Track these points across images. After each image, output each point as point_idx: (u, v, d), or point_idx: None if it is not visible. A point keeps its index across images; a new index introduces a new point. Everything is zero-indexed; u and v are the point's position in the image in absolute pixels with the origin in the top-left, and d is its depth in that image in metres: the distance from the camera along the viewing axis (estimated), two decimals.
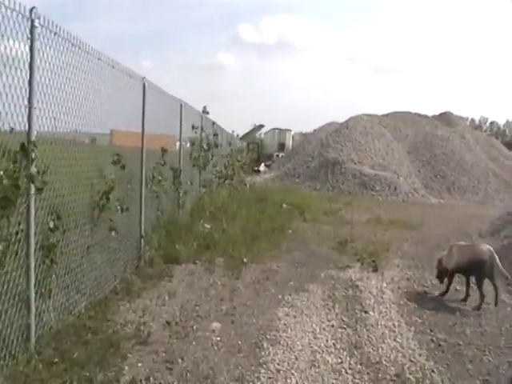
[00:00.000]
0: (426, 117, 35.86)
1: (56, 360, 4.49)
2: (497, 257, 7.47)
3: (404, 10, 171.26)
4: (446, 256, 7.93)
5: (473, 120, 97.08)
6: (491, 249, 7.59)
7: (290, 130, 51.01)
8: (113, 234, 6.50)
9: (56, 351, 4.67)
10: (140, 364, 4.87)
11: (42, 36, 4.61)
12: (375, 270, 9.23)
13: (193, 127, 12.40)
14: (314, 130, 43.98)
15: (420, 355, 5.63)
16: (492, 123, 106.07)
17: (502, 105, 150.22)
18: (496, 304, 7.34)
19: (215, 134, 15.94)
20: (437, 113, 38.55)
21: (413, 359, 5.50)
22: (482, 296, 7.32)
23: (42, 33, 4.57)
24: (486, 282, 7.42)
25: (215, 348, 5.46)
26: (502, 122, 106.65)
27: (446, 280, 7.98)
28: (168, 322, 5.99)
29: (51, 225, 4.81)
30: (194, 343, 5.52)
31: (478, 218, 17.46)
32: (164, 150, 9.07)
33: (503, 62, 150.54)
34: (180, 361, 5.04)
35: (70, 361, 4.54)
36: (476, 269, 7.42)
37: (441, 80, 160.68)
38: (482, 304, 7.31)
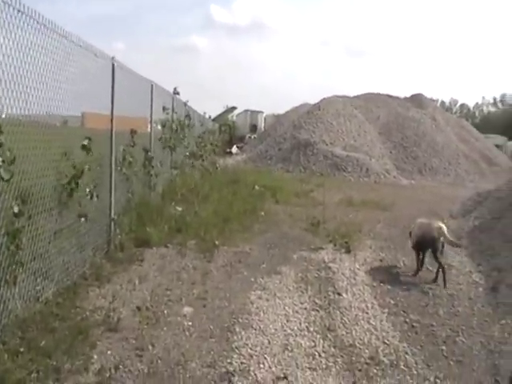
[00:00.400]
0: (397, 98, 36.06)
1: (22, 349, 4.35)
2: (446, 231, 7.82)
3: None
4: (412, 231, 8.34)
5: (443, 102, 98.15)
6: (442, 225, 7.91)
7: (263, 112, 50.76)
8: (82, 220, 6.32)
9: (22, 340, 4.53)
10: (109, 352, 4.76)
11: (5, 14, 4.41)
12: (348, 251, 9.23)
13: (164, 108, 12.19)
14: (287, 112, 43.86)
15: (393, 337, 5.65)
16: (462, 105, 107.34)
17: (472, 87, 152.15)
18: (445, 286, 7.50)
19: (187, 116, 15.71)
20: (408, 95, 38.85)
21: (386, 341, 5.51)
22: (442, 268, 7.65)
23: (4, 10, 4.37)
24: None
25: (187, 333, 5.38)
26: (471, 104, 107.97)
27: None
28: (138, 308, 5.87)
29: (16, 210, 4.63)
30: (164, 329, 5.43)
31: (449, 199, 17.67)
32: (133, 132, 8.86)
33: (473, 45, 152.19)
34: (150, 347, 4.94)
35: (37, 350, 4.41)
36: (428, 244, 7.79)
37: (412, 62, 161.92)
38: (438, 275, 7.70)
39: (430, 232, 7.79)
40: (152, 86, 10.65)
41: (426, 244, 7.83)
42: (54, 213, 5.71)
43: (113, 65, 7.55)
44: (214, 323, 5.68)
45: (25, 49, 4.82)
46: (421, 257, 8.04)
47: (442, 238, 7.74)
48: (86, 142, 6.17)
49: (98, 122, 7.91)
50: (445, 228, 7.91)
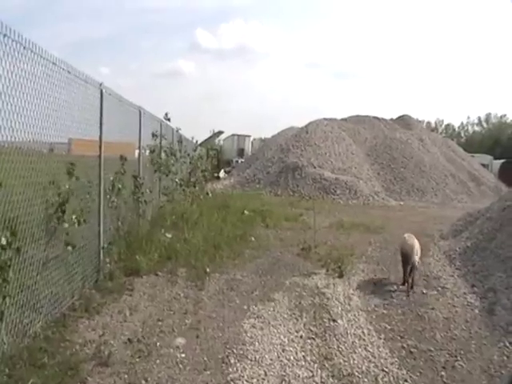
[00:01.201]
0: (384, 120, 36.33)
1: None
2: (417, 251, 8.48)
3: (362, 17, 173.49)
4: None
5: (429, 123, 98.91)
6: (414, 243, 8.56)
7: (250, 136, 50.79)
8: (69, 248, 6.15)
9: (9, 378, 4.35)
10: None
11: None
12: (341, 275, 9.14)
13: (153, 135, 12.09)
14: (274, 136, 43.93)
15: (392, 364, 5.55)
16: (447, 125, 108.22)
17: (457, 107, 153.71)
18: (407, 295, 8.12)
19: (178, 141, 15.64)
20: (395, 116, 39.19)
21: (385, 369, 5.40)
22: (411, 282, 8.43)
23: None
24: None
25: (180, 366, 5.23)
26: (456, 124, 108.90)
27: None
28: (130, 340, 5.72)
29: (3, 241, 4.46)
30: (157, 362, 5.27)
31: (439, 219, 17.72)
32: (124, 159, 8.75)
33: (457, 66, 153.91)
34: (143, 382, 4.80)
35: None
36: (404, 256, 8.52)
37: (398, 83, 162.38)
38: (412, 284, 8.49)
39: (404, 247, 8.58)
40: (140, 111, 10.57)
41: (403, 257, 8.53)
42: (41, 242, 5.56)
43: (101, 91, 7.47)
44: (207, 354, 5.54)
45: (11, 74, 4.71)
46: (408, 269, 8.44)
47: (414, 254, 8.38)
48: (70, 167, 6.05)
49: (86, 148, 7.79)
50: (416, 246, 8.52)
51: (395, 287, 8.55)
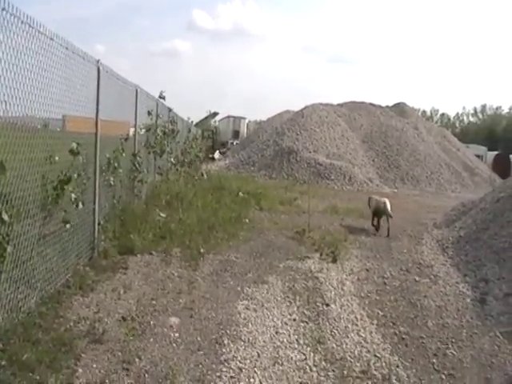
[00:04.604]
0: (380, 107, 36.23)
1: (3, 363, 4.17)
2: (388, 206, 12.34)
3: (360, 4, 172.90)
4: (369, 203, 13.14)
5: (424, 111, 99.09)
6: (386, 201, 12.59)
7: (245, 118, 50.80)
8: (67, 226, 6.12)
9: (3, 353, 4.32)
10: (94, 365, 4.60)
11: None
12: (334, 260, 9.16)
13: (149, 113, 12.01)
14: (269, 118, 43.85)
15: (384, 350, 5.58)
16: (442, 115, 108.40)
17: (452, 97, 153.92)
18: (388, 235, 11.99)
19: (172, 121, 15.56)
20: (390, 103, 39.12)
21: (377, 354, 5.44)
22: (387, 228, 12.21)
23: None
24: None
25: (174, 345, 5.24)
26: (452, 114, 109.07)
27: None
28: (124, 318, 5.71)
29: (5, 217, 4.42)
30: (151, 340, 5.28)
31: (432, 208, 17.81)
32: (124, 138, 8.71)
33: (454, 55, 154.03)
34: (137, 360, 4.79)
35: (19, 363, 4.22)
36: (379, 212, 12.48)
37: (394, 71, 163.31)
38: (385, 228, 12.25)
39: (379, 205, 12.51)
40: (137, 90, 10.48)
41: (378, 213, 12.52)
42: (37, 219, 5.52)
43: (98, 68, 7.39)
44: (201, 335, 5.55)
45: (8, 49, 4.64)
46: (375, 222, 12.59)
47: (387, 209, 12.28)
48: (74, 146, 5.99)
49: (80, 125, 7.72)
50: (388, 203, 12.41)
51: (389, 275, 8.59)
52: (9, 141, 4.81)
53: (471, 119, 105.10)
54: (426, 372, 5.14)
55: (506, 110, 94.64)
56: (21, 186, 5.01)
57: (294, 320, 6.24)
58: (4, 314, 4.75)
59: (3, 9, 4.46)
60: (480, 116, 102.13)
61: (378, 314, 6.74)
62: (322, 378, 4.82)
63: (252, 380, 4.66)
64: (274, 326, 5.98)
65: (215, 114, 51.76)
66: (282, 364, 5.03)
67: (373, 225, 12.62)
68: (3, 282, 4.67)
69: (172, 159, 15.29)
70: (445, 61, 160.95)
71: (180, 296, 6.70)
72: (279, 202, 16.12)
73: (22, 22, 4.87)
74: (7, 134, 4.87)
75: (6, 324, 4.71)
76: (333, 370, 4.98)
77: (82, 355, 4.72)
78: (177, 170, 16.31)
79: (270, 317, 6.27)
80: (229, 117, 49.39)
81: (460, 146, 36.50)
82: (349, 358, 5.29)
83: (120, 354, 4.88)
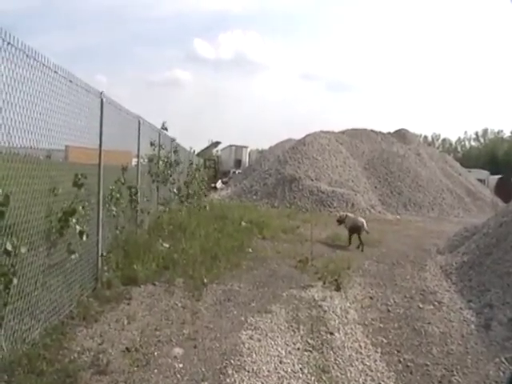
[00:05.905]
0: (381, 133, 36.44)
1: None
2: (365, 224, 14.25)
3: (357, 29, 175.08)
4: (345, 220, 14.95)
5: (426, 137, 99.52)
6: (363, 221, 14.43)
7: (247, 147, 51.00)
8: (73, 257, 6.14)
9: None
10: None
11: None
12: (338, 288, 9.15)
13: (151, 144, 12.13)
14: (271, 147, 44.11)
15: (389, 378, 5.56)
16: (444, 140, 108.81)
17: (454, 122, 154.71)
18: (362, 249, 13.79)
19: (174, 151, 15.69)
20: (392, 130, 39.34)
21: (382, 382, 5.43)
22: (361, 242, 14.08)
23: None
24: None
25: (178, 376, 5.23)
26: (453, 139, 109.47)
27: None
28: (128, 349, 5.71)
29: (9, 247, 4.46)
30: (155, 371, 5.27)
31: (435, 233, 17.81)
32: (124, 168, 8.78)
33: (455, 80, 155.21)
34: None
35: None
36: (355, 229, 14.21)
37: (395, 97, 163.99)
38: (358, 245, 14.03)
39: (357, 223, 14.37)
40: (139, 121, 10.62)
41: (355, 230, 14.20)
42: (42, 250, 5.56)
43: (101, 99, 7.52)
44: (205, 365, 5.54)
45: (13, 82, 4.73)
46: (352, 237, 14.33)
47: (364, 227, 14.12)
48: (78, 178, 6.05)
49: (83, 155, 7.80)
50: (365, 222, 14.25)
51: (392, 302, 8.57)
52: (13, 173, 4.88)
53: (473, 144, 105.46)
54: None
55: (507, 133, 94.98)
56: (25, 218, 5.07)
57: (298, 349, 6.22)
58: (9, 345, 4.76)
59: (8, 43, 4.57)
60: (482, 140, 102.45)
61: (382, 341, 6.72)
62: None
63: None
64: (278, 356, 5.96)
65: (217, 143, 52.14)
66: None
67: (349, 243, 14.41)
68: (8, 314, 4.69)
69: (175, 189, 15.36)
70: (445, 86, 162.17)
71: (184, 326, 6.70)
72: (282, 231, 16.14)
73: (28, 56, 4.99)
74: (12, 167, 4.94)
75: (10, 355, 4.73)
76: None
77: None
78: (181, 201, 16.38)
79: (274, 346, 6.26)
80: (231, 146, 49.64)
81: (462, 170, 36.64)
82: None
83: None
